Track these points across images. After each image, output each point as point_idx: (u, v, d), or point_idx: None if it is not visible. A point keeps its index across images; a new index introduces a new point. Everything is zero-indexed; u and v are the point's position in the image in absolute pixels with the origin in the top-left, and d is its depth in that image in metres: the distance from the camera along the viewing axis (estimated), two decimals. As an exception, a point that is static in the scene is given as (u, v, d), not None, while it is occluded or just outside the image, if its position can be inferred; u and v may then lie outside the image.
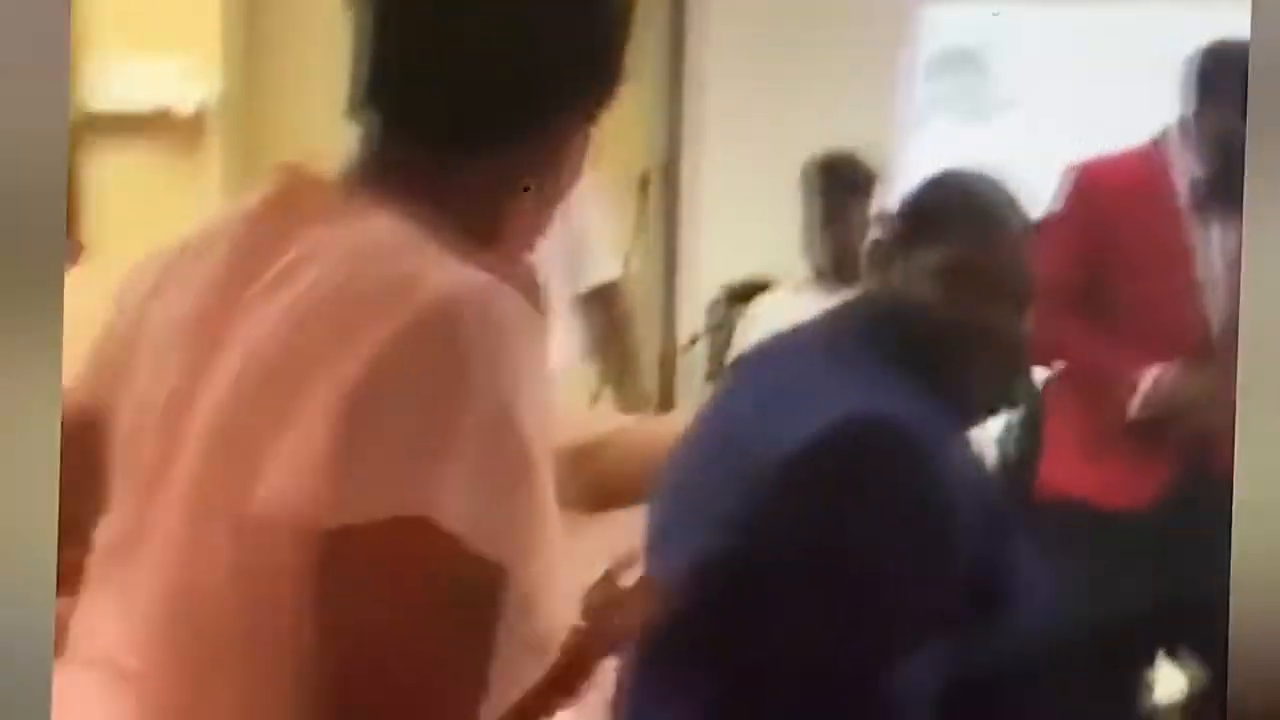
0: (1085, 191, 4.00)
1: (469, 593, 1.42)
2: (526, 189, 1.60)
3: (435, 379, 1.42)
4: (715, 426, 2.50)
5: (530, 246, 1.66)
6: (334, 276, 1.49)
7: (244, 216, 1.64)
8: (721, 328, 5.57)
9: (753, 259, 5.63)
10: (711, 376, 5.51)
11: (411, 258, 1.49)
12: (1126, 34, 5.97)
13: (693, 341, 5.86)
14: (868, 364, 2.43)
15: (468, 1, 1.58)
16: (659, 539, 2.43)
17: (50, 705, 1.34)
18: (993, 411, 2.69)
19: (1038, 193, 4.15)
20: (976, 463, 2.73)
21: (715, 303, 5.81)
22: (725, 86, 6.14)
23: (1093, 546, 3.78)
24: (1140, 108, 4.23)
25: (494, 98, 1.58)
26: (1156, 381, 3.87)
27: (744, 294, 5.39)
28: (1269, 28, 1.54)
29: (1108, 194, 4.00)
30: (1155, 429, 3.89)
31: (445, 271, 1.48)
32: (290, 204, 1.61)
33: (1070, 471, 4.00)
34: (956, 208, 2.53)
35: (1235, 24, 4.65)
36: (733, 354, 4.89)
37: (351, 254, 1.51)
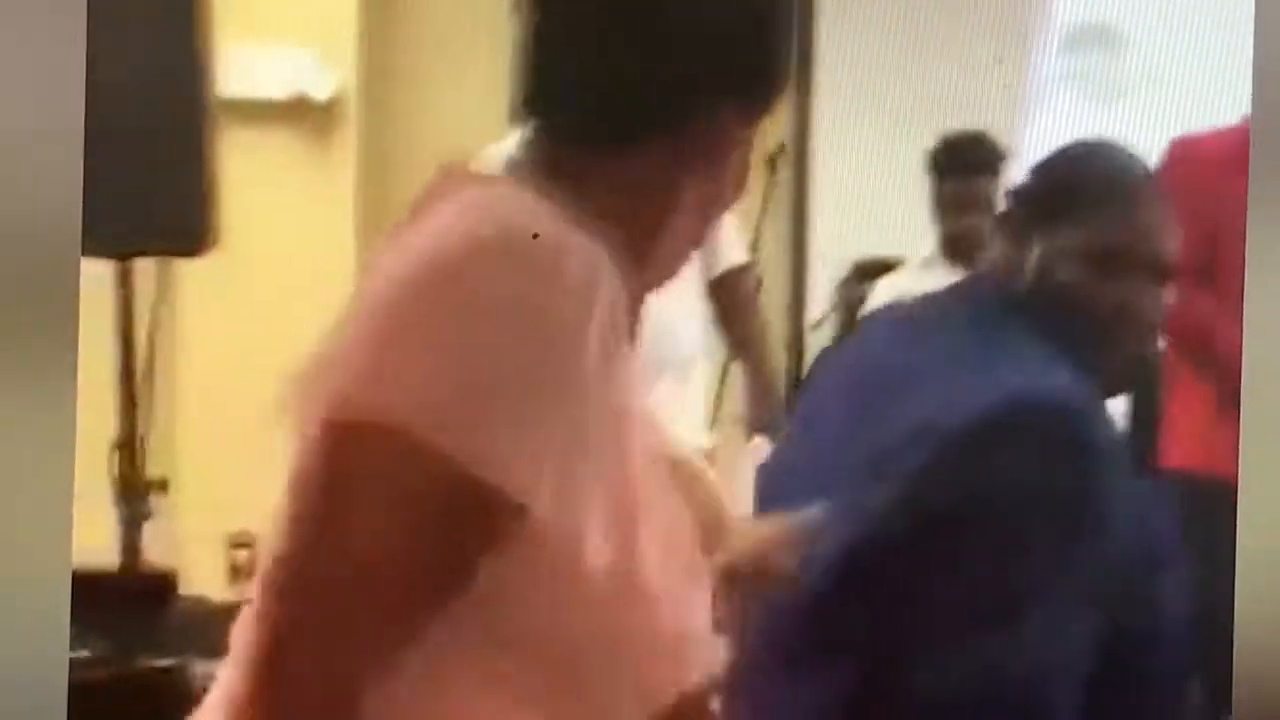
0: (1186, 164, 3.98)
1: (453, 510, 1.42)
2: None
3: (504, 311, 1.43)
4: (849, 392, 2.43)
5: (685, 256, 1.66)
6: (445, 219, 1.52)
7: (410, 205, 1.64)
8: (848, 307, 5.56)
9: (882, 237, 5.63)
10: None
11: (527, 212, 1.50)
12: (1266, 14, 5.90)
13: (821, 321, 5.85)
14: (1019, 342, 2.37)
15: (620, 6, 1.58)
16: (780, 502, 2.33)
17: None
18: (1129, 388, 2.61)
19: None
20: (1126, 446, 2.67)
21: (844, 281, 5.80)
22: (854, 63, 6.13)
23: (1220, 517, 3.76)
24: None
25: (649, 95, 1.58)
26: None
27: (872, 273, 5.38)
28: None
29: (1209, 165, 3.97)
30: None
31: (552, 222, 1.49)
32: (447, 192, 1.61)
33: (1192, 443, 3.98)
34: (1098, 184, 2.48)
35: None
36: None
37: (471, 203, 1.54)
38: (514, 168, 1.62)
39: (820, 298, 5.97)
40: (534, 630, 1.49)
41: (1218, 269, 3.92)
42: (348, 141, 5.93)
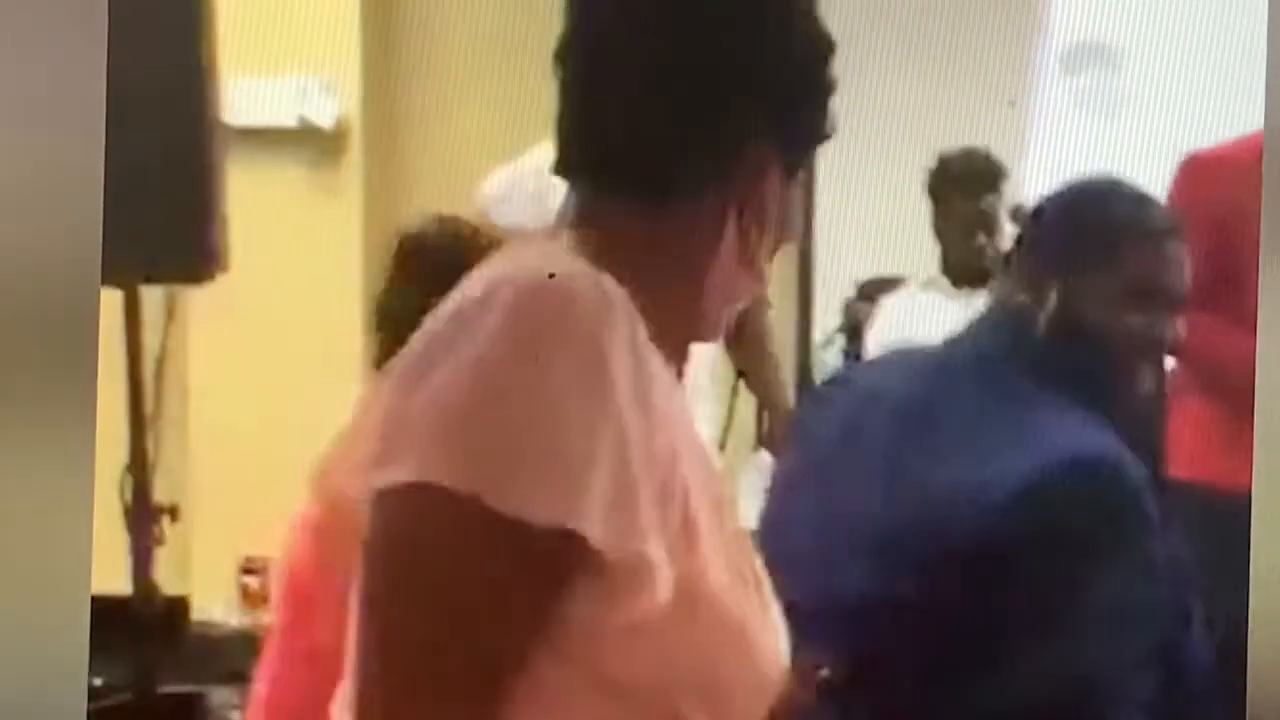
0: (1199, 183, 3.97)
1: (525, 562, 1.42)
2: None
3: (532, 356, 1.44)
4: (869, 443, 2.40)
5: (732, 306, 1.65)
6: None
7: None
8: (854, 326, 5.58)
9: (885, 257, 5.65)
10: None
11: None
12: (1265, 27, 5.92)
13: (828, 340, 5.87)
14: (1044, 393, 2.36)
15: (663, 63, 1.58)
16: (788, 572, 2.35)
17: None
18: (1144, 426, 2.57)
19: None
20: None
21: (850, 301, 5.82)
22: (857, 82, 6.14)
23: (1225, 530, 3.78)
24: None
25: (694, 150, 1.58)
26: None
27: (876, 291, 5.40)
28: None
29: (1223, 183, 3.97)
30: None
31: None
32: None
33: (1194, 457, 3.99)
34: (1120, 225, 2.49)
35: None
36: (865, 348, 4.91)
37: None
38: (560, 223, 1.63)
39: (826, 317, 5.99)
40: (622, 671, 1.50)
41: (1224, 286, 3.93)
42: (353, 168, 5.96)
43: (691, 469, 1.54)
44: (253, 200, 4.37)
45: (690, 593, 1.50)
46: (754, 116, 1.59)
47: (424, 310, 1.53)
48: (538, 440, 1.42)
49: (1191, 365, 4.06)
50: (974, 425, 2.33)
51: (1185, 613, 2.40)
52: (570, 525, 1.41)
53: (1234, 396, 3.95)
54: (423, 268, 2.41)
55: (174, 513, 3.92)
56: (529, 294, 1.46)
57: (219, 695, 5.29)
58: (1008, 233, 4.67)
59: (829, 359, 5.82)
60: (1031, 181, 5.87)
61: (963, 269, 4.77)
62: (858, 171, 6.22)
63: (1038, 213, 2.58)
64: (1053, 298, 2.43)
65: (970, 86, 5.96)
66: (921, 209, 4.90)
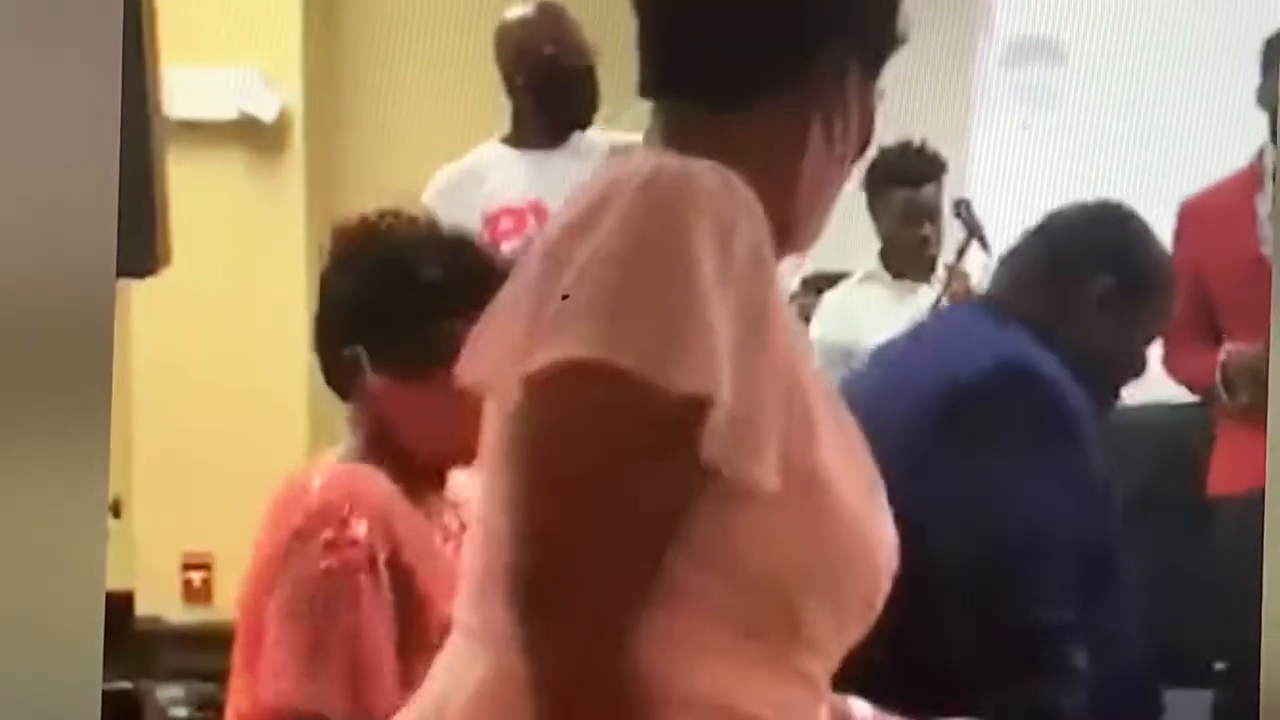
0: (1188, 227, 4.04)
1: (656, 428, 1.47)
2: None
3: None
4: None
5: (826, 202, 1.70)
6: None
7: None
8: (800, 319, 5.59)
9: (832, 251, 5.65)
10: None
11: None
12: (1206, 20, 5.97)
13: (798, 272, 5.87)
14: (1014, 331, 2.52)
15: None
16: None
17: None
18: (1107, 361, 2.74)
19: (1117, 184, 4.21)
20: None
21: (794, 294, 5.83)
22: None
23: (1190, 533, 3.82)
24: (1219, 97, 4.24)
25: (775, 52, 1.63)
26: (1228, 353, 3.90)
27: (817, 286, 5.41)
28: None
29: (1207, 224, 4.04)
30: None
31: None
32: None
33: (1243, 470, 4.03)
34: (1115, 243, 2.67)
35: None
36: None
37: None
38: (649, 140, 1.67)
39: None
40: (747, 561, 1.54)
41: (1220, 315, 4.00)
42: (295, 160, 5.95)
43: (807, 367, 1.60)
44: (194, 194, 4.35)
45: (809, 483, 1.55)
46: (830, 19, 1.64)
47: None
48: (680, 314, 1.46)
49: (1212, 394, 4.10)
50: (941, 347, 2.52)
51: (1111, 532, 2.51)
52: (710, 391, 1.45)
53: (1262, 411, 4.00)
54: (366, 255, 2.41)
55: (117, 508, 3.90)
56: (663, 180, 1.51)
57: (164, 691, 5.28)
58: (950, 225, 4.69)
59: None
60: (973, 174, 5.90)
61: (903, 261, 4.78)
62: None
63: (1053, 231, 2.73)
64: (1059, 297, 2.62)
65: (913, 80, 5.98)
66: (862, 204, 4.90)
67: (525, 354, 1.48)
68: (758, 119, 1.63)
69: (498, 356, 1.53)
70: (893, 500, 1.69)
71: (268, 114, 5.86)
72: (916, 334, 2.79)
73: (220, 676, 2.58)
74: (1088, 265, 2.62)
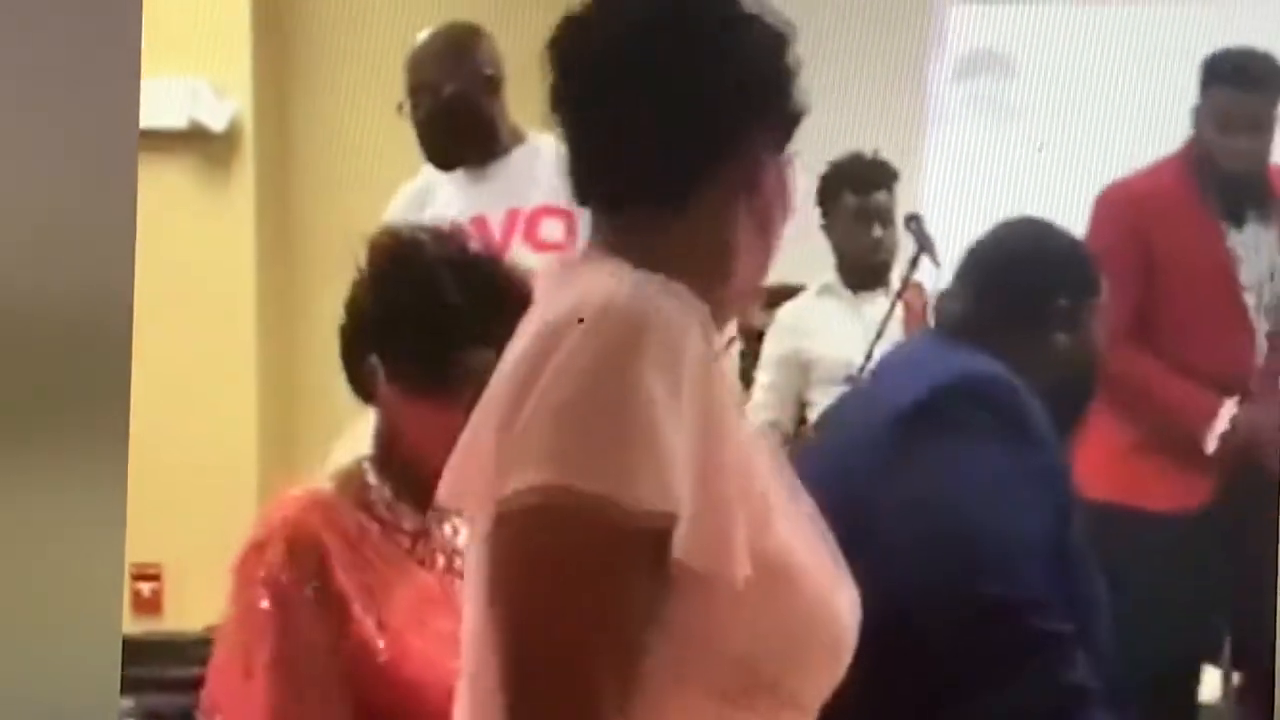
0: (1113, 215, 4.04)
1: (625, 545, 1.59)
2: None
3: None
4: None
5: (760, 276, 1.82)
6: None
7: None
8: (751, 333, 5.58)
9: (788, 265, 5.65)
10: (745, 378, 5.53)
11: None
12: (1156, 33, 6.00)
13: (728, 345, 5.86)
14: (976, 351, 2.61)
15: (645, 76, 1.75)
16: None
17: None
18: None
19: (1069, 192, 4.22)
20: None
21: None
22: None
23: (1135, 545, 3.83)
24: (1171, 107, 4.25)
25: (690, 153, 1.75)
26: (1234, 421, 3.91)
27: (773, 300, 5.41)
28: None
29: (1136, 213, 4.04)
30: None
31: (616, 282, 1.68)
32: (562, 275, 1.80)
33: (1101, 475, 4.03)
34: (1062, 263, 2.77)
35: (1263, 24, 4.70)
36: (764, 359, 4.90)
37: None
38: (594, 243, 1.79)
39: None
40: (723, 640, 1.66)
41: (1155, 328, 4.00)
42: (245, 170, 5.93)
43: (759, 454, 1.74)
44: (144, 202, 4.33)
45: (771, 565, 1.66)
46: (739, 113, 1.76)
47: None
48: (637, 437, 1.59)
49: (1122, 400, 4.10)
50: (898, 370, 2.63)
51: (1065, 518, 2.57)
52: (671, 509, 1.59)
53: (1156, 428, 4.02)
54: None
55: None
56: (613, 316, 1.64)
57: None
58: (903, 239, 4.69)
59: (729, 365, 5.81)
60: (927, 188, 5.91)
61: (858, 269, 4.78)
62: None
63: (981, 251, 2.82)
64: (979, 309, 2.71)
65: (865, 93, 5.99)
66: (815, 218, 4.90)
67: (493, 482, 1.61)
68: (694, 212, 1.75)
69: (469, 483, 1.65)
70: (860, 511, 1.76)
71: (218, 123, 5.84)
72: (879, 369, 2.87)
73: (170, 687, 2.57)
74: (1041, 288, 2.67)
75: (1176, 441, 3.98)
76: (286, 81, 6.04)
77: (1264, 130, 3.94)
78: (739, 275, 1.78)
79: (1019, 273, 2.70)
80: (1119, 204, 4.07)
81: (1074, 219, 4.37)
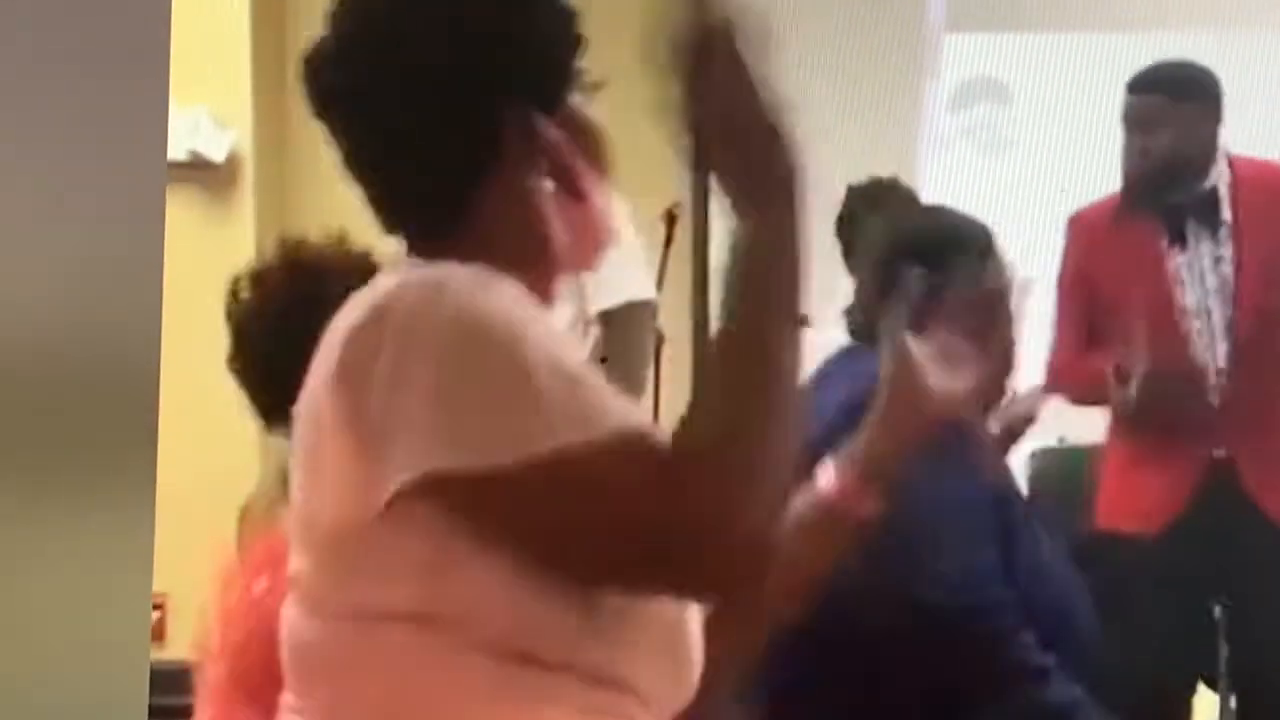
0: (1076, 235, 4.11)
1: None
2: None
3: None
4: None
5: (588, 250, 1.81)
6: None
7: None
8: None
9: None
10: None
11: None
12: (1148, 59, 6.01)
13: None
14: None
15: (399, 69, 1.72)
16: None
17: None
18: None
19: (1062, 221, 4.25)
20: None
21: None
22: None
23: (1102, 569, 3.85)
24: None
25: (465, 135, 1.72)
26: (1143, 386, 3.93)
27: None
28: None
29: (1084, 241, 4.10)
30: (1165, 448, 3.95)
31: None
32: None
33: (1119, 504, 4.06)
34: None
35: (1262, 53, 4.67)
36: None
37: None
38: (402, 260, 1.77)
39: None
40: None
41: (1107, 330, 4.04)
42: (245, 200, 5.95)
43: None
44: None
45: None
46: (506, 102, 1.72)
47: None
48: (508, 399, 1.54)
49: (1068, 390, 4.14)
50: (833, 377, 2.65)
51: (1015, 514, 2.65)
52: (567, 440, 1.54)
53: (1115, 429, 4.06)
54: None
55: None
56: (433, 295, 1.59)
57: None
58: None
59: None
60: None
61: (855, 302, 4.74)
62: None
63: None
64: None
65: (863, 122, 6.01)
66: (819, 245, 4.86)
67: (369, 490, 1.56)
68: (491, 197, 1.72)
69: (335, 505, 1.59)
70: None
71: (218, 154, 5.87)
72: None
73: (174, 714, 2.57)
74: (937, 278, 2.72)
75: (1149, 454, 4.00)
76: (286, 112, 6.06)
77: (1153, 128, 3.98)
78: (557, 241, 1.76)
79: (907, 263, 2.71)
80: (1070, 232, 4.15)
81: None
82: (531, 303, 1.66)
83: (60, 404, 1.31)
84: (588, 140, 1.78)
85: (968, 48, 6.45)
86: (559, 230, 1.76)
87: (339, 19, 1.76)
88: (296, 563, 1.67)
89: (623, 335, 4.34)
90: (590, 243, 1.81)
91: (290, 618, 1.67)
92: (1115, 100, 4.11)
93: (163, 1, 1.44)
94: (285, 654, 1.68)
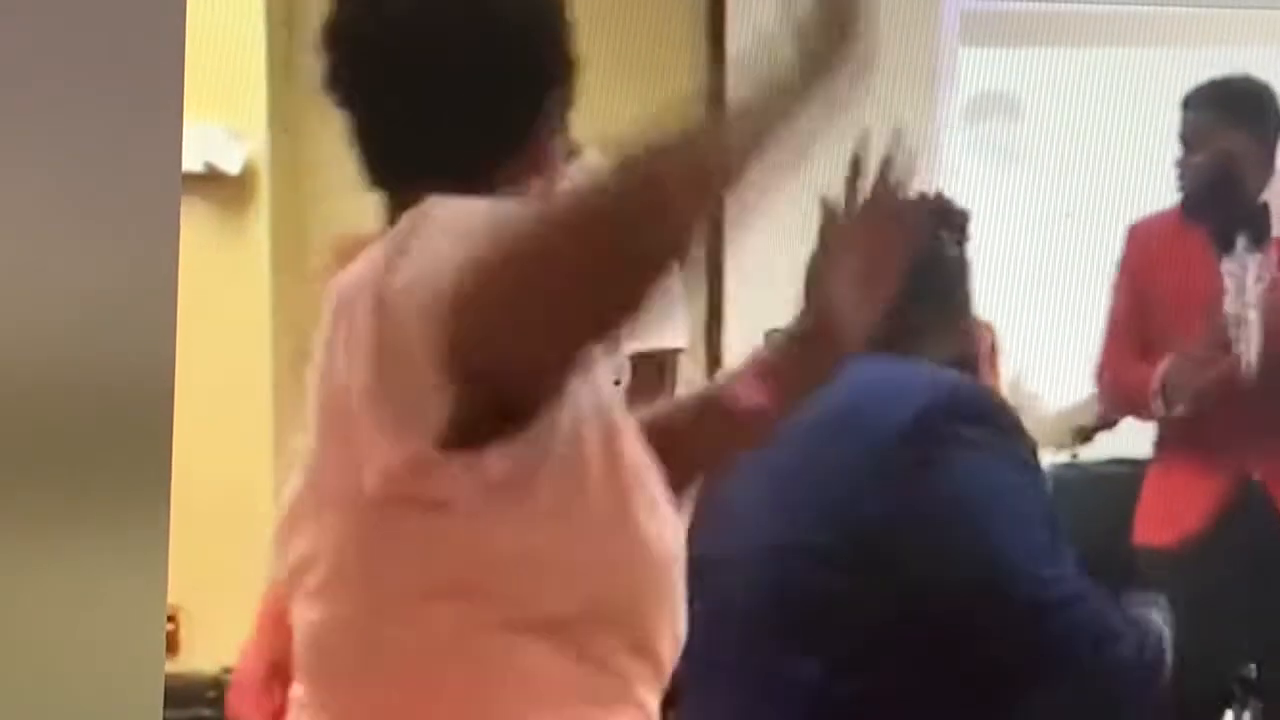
0: (1133, 245, 4.15)
1: None
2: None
3: None
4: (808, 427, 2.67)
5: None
6: None
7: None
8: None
9: (796, 306, 5.68)
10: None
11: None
12: (1162, 75, 6.02)
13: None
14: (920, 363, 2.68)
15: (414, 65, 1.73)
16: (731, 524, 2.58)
17: None
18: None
19: (1075, 235, 4.26)
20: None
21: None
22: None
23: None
24: (1169, 150, 4.30)
25: (476, 135, 1.74)
26: (1169, 368, 3.97)
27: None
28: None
29: (1149, 246, 4.14)
30: (1191, 450, 3.96)
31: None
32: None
33: (1167, 519, 4.08)
34: None
35: (1273, 65, 4.73)
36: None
37: None
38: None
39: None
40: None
41: (1154, 339, 4.08)
42: (261, 213, 5.95)
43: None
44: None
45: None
46: (533, 92, 1.77)
47: None
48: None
49: (1115, 400, 4.18)
50: (898, 383, 2.63)
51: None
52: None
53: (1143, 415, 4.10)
54: None
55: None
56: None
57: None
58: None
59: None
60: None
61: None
62: (766, 222, 6.24)
63: None
64: None
65: (876, 132, 6.00)
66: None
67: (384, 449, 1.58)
68: (511, 172, 1.76)
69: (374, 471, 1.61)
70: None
71: (233, 166, 5.88)
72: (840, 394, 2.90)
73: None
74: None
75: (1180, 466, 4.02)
76: (301, 123, 6.07)
77: (1206, 144, 4.05)
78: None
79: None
80: (1127, 241, 4.20)
81: (1081, 261, 4.41)
82: None
83: (75, 417, 1.32)
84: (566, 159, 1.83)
85: (980, 62, 6.45)
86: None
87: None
88: (307, 545, 1.66)
89: (651, 381, 4.32)
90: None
91: (305, 609, 1.66)
92: (1128, 115, 4.16)
93: (177, 14, 1.44)
94: (299, 649, 1.67)
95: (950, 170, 6.28)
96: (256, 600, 2.84)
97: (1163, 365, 3.99)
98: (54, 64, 1.29)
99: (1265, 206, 4.02)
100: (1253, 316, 3.99)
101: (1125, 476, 4.42)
